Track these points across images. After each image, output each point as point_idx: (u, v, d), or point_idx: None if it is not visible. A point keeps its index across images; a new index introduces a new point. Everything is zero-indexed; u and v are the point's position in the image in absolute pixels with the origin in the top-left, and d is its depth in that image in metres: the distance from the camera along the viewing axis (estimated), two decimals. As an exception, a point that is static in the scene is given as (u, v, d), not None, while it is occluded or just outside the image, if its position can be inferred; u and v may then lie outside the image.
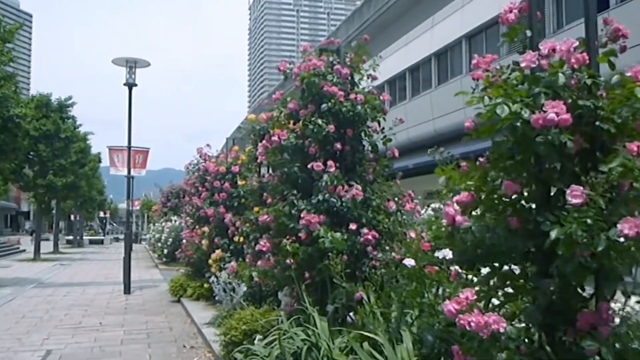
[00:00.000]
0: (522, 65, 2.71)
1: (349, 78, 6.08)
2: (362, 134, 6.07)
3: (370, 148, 6.14)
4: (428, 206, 7.84)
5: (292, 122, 6.11)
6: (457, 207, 2.98)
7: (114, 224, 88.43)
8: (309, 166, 5.71)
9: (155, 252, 29.18)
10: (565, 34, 19.00)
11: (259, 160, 6.71)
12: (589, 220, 2.44)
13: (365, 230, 5.52)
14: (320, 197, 5.59)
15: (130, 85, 15.02)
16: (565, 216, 2.52)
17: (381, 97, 6.10)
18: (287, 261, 5.74)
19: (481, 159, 3.10)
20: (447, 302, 2.81)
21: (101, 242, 53.19)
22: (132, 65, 14.89)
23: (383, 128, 6.16)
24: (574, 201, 2.47)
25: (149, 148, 18.05)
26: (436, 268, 4.90)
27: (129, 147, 15.54)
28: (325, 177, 5.55)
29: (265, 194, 9.15)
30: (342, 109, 5.82)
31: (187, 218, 15.08)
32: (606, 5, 17.21)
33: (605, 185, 2.39)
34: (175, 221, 23.62)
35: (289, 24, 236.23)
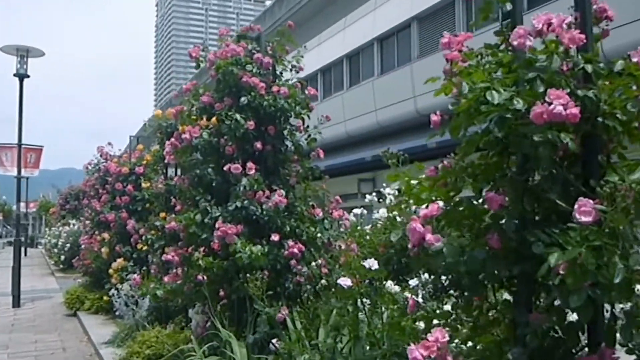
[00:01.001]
0: (514, 43, 2.13)
1: (271, 69, 5.40)
2: (285, 132, 5.40)
3: (292, 148, 5.48)
4: (349, 211, 7.28)
5: (205, 117, 5.35)
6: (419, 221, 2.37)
7: (8, 227, 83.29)
8: (225, 168, 4.97)
9: (51, 258, 27.25)
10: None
11: (166, 161, 5.88)
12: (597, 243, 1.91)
13: (289, 242, 4.85)
14: (237, 203, 4.87)
15: (22, 77, 13.59)
16: (564, 236, 1.97)
17: (306, 92, 5.45)
18: (199, 277, 4.97)
19: (445, 162, 2.52)
20: (412, 346, 2.19)
21: (-8, 246, 49.55)
22: (23, 54, 13.47)
23: (308, 126, 5.52)
24: (584, 219, 1.91)
25: (42, 146, 16.57)
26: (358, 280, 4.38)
27: (20, 145, 14.09)
28: (244, 180, 4.83)
29: (172, 199, 8.33)
30: (263, 103, 5.13)
31: (87, 222, 13.85)
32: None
33: (628, 199, 1.84)
34: (73, 225, 22.12)
35: (198, 22, 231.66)
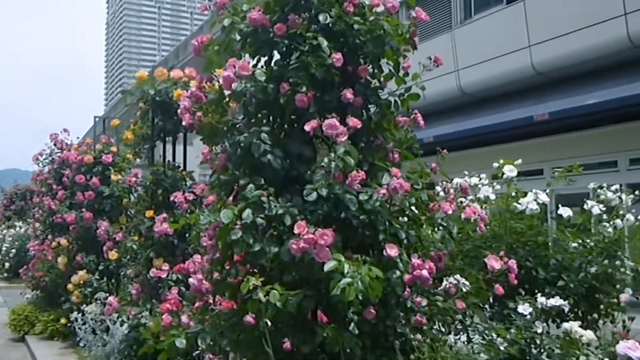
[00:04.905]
0: None
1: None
2: (381, 78, 3.36)
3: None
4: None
5: (255, 48, 3.24)
6: None
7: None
8: (307, 127, 2.84)
9: (-6, 264, 24.54)
10: (474, 24, 17.47)
11: (183, 123, 3.51)
12: None
13: (415, 259, 2.81)
14: (322, 191, 2.78)
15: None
16: None
17: (413, 13, 3.40)
18: (248, 317, 2.88)
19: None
20: None
21: None
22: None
23: (407, 73, 3.48)
24: None
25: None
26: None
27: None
28: (340, 150, 2.75)
29: (160, 192, 6.22)
30: (352, 26, 3.08)
31: (37, 225, 11.45)
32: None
33: None
34: (20, 228, 19.77)
35: (150, 21, 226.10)
